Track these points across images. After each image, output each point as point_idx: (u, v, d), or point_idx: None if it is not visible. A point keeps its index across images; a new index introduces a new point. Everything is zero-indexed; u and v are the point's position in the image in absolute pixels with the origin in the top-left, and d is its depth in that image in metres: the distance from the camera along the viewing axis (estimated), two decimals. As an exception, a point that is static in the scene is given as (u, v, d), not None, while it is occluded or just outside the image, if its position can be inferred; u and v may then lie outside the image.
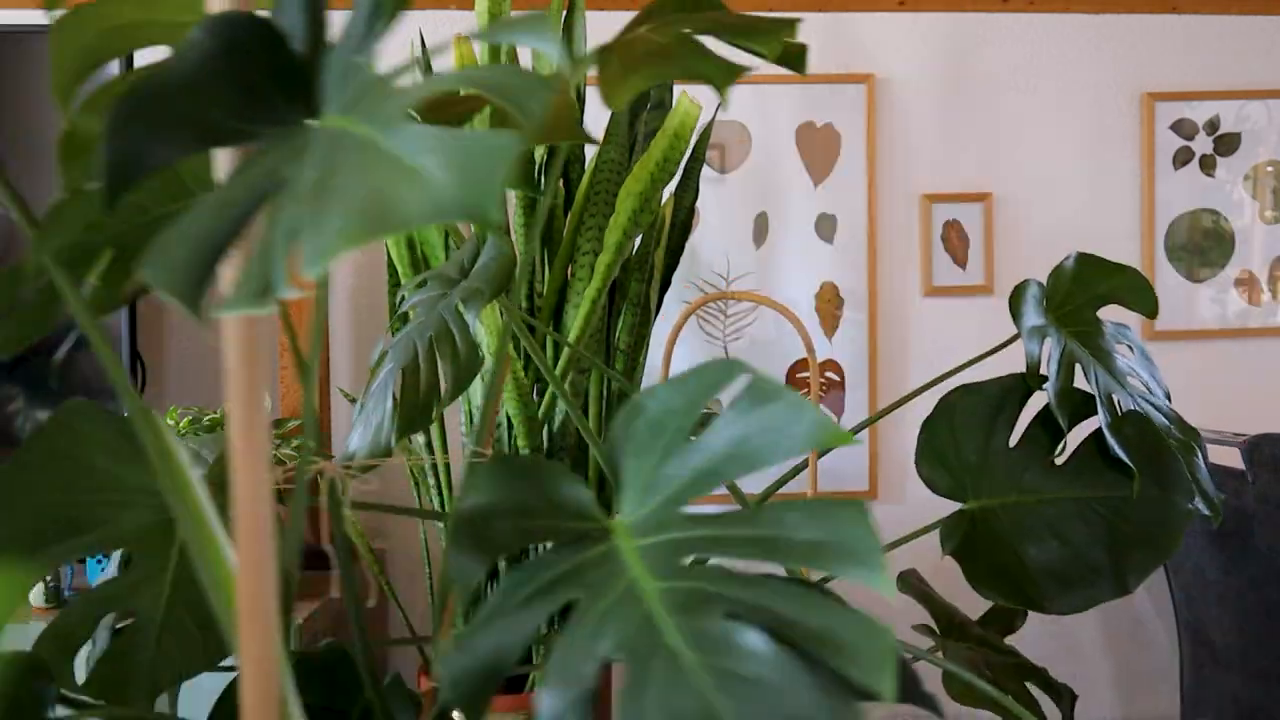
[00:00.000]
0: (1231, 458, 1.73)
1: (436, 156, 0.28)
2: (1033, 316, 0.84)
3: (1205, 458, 0.83)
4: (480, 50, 1.50)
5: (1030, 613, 0.87)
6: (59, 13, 0.48)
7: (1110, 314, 0.91)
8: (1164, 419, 0.83)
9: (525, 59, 1.69)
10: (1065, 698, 0.93)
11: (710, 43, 0.51)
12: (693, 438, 0.46)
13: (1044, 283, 0.90)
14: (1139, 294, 0.89)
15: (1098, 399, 0.79)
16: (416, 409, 0.73)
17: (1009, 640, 0.97)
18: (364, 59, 0.36)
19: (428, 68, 1.61)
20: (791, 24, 0.43)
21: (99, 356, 0.47)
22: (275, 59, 0.37)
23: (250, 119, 0.36)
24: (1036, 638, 2.21)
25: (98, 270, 0.54)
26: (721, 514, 0.43)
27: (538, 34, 0.31)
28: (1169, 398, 0.89)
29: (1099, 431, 0.81)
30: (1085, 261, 0.90)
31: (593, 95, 1.97)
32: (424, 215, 0.27)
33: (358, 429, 0.75)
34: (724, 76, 0.39)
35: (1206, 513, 0.78)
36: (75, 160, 0.52)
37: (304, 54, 0.38)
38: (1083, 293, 0.89)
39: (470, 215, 0.26)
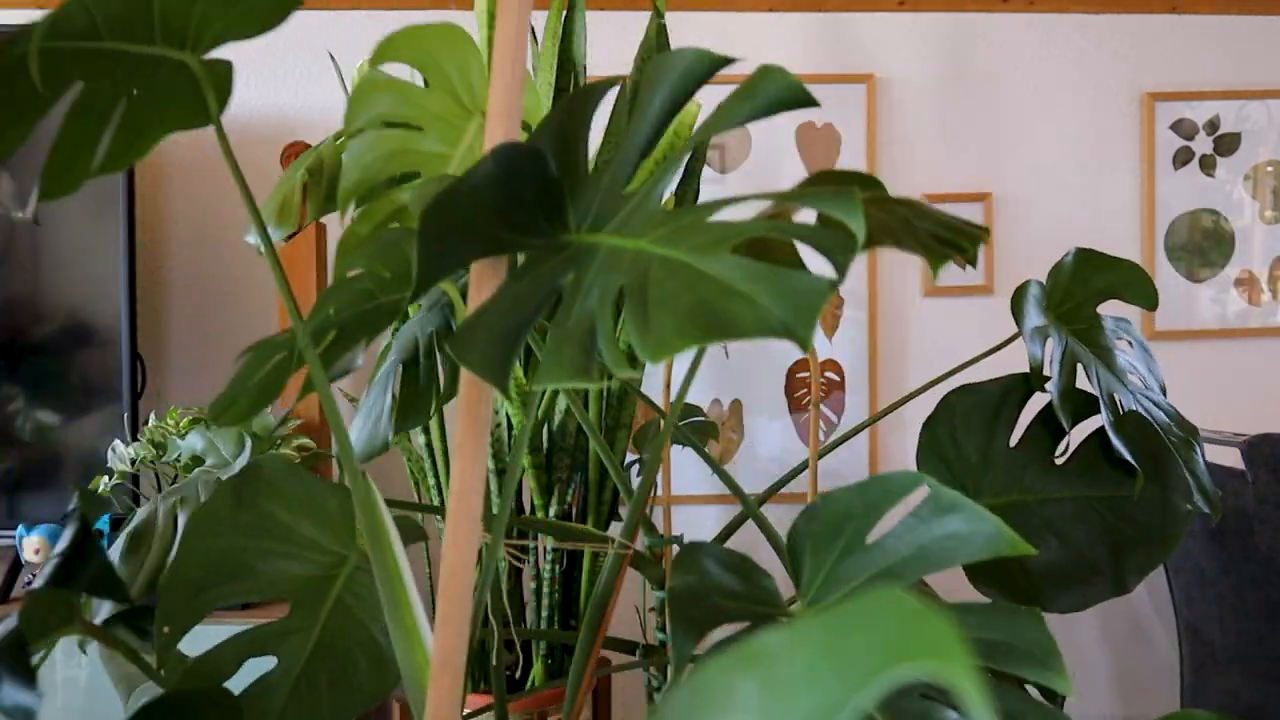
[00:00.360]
0: (1231, 458, 1.73)
1: (765, 286, 0.34)
2: (1034, 317, 0.84)
3: (1203, 453, 0.83)
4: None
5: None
6: (355, 142, 0.59)
7: (1109, 308, 0.91)
8: (1164, 416, 0.83)
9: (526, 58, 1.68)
10: (1058, 703, 0.94)
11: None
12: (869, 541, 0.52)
13: (1044, 281, 0.90)
14: (1138, 288, 0.89)
15: (1100, 399, 0.79)
16: (414, 403, 0.74)
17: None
18: (655, 193, 0.43)
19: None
20: (985, 233, 0.52)
21: (329, 420, 0.55)
22: (539, 183, 0.45)
23: (520, 231, 0.44)
24: (1036, 638, 2.20)
25: (323, 345, 0.62)
26: None
27: (847, 210, 0.36)
28: (1164, 391, 0.89)
29: (1100, 431, 0.81)
30: (1084, 257, 0.90)
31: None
32: (753, 331, 0.33)
33: (358, 421, 0.75)
34: (939, 259, 0.49)
35: (1206, 509, 0.78)
36: (347, 256, 0.63)
37: (558, 176, 0.46)
38: (1082, 289, 0.89)
39: (789, 336, 0.33)
